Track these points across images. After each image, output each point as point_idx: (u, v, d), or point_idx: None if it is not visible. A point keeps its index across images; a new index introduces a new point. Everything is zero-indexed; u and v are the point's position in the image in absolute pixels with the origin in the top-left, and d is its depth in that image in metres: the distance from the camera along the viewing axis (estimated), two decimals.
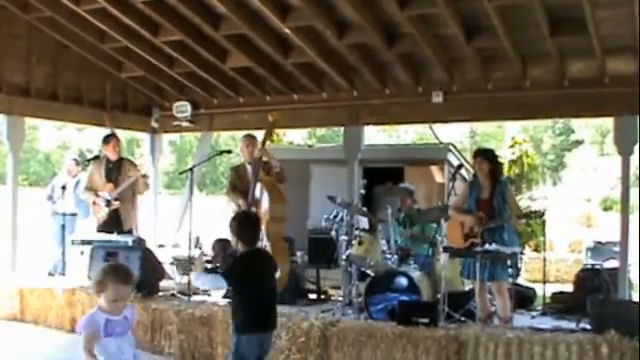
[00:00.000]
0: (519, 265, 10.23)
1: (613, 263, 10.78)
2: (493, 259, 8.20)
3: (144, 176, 10.55)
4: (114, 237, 9.93)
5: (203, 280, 6.34)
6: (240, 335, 5.46)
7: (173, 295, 9.45)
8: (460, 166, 9.97)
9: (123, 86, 12.57)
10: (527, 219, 9.19)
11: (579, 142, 48.64)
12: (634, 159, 9.96)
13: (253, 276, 5.51)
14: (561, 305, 10.11)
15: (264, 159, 9.38)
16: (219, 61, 10.94)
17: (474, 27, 9.00)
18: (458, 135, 40.45)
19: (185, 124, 12.36)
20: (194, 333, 7.89)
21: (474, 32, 9.09)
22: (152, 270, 9.20)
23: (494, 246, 8.13)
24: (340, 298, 10.45)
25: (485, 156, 8.75)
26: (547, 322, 8.93)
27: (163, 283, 9.66)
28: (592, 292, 9.66)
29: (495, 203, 8.44)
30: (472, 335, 6.80)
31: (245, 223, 5.82)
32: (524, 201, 18.56)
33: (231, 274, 5.53)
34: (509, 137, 21.53)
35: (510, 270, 8.56)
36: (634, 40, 8.40)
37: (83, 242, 9.97)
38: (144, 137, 13.62)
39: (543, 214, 8.83)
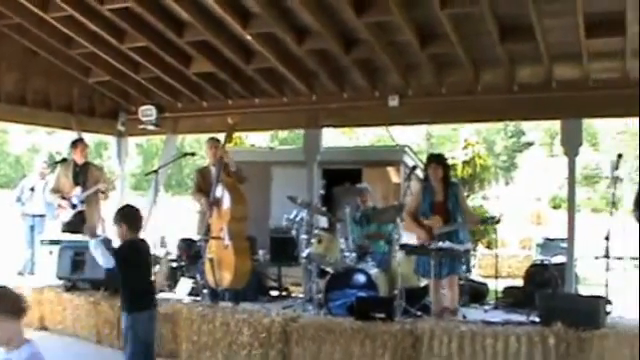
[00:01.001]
0: (470, 261, 10.58)
1: (561, 258, 11.01)
2: (449, 256, 8.53)
3: (106, 190, 10.83)
4: (82, 237, 10.06)
5: (99, 250, 6.11)
6: (132, 313, 6.10)
7: None
8: (415, 167, 10.25)
9: (90, 91, 12.63)
10: (484, 224, 9.52)
11: (530, 144, 49.54)
12: (579, 160, 10.31)
13: (139, 261, 6.21)
14: (512, 299, 10.28)
15: (225, 160, 9.51)
16: (183, 66, 11.01)
17: (428, 34, 9.18)
18: (415, 137, 40.77)
19: (151, 127, 12.34)
20: (159, 330, 7.80)
21: (428, 39, 9.27)
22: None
23: (447, 244, 8.42)
24: (301, 295, 10.66)
25: (439, 162, 9.10)
26: (499, 315, 9.13)
27: None
28: (541, 286, 9.80)
29: (450, 205, 8.79)
30: (427, 329, 7.04)
31: (128, 215, 6.41)
32: (477, 200, 19.01)
33: (118, 256, 6.06)
34: (464, 139, 21.97)
35: (464, 266, 8.95)
36: (579, 47, 8.71)
37: (52, 242, 10.12)
38: (111, 140, 13.65)
39: (499, 221, 9.19)
